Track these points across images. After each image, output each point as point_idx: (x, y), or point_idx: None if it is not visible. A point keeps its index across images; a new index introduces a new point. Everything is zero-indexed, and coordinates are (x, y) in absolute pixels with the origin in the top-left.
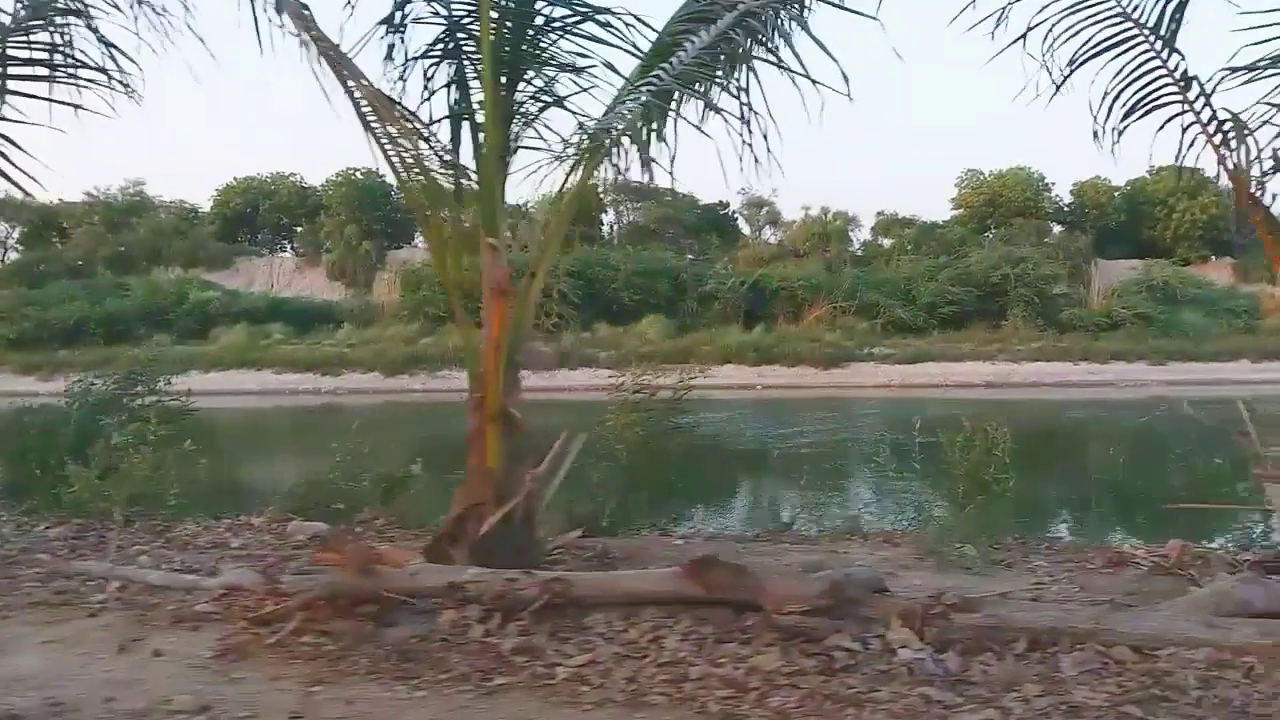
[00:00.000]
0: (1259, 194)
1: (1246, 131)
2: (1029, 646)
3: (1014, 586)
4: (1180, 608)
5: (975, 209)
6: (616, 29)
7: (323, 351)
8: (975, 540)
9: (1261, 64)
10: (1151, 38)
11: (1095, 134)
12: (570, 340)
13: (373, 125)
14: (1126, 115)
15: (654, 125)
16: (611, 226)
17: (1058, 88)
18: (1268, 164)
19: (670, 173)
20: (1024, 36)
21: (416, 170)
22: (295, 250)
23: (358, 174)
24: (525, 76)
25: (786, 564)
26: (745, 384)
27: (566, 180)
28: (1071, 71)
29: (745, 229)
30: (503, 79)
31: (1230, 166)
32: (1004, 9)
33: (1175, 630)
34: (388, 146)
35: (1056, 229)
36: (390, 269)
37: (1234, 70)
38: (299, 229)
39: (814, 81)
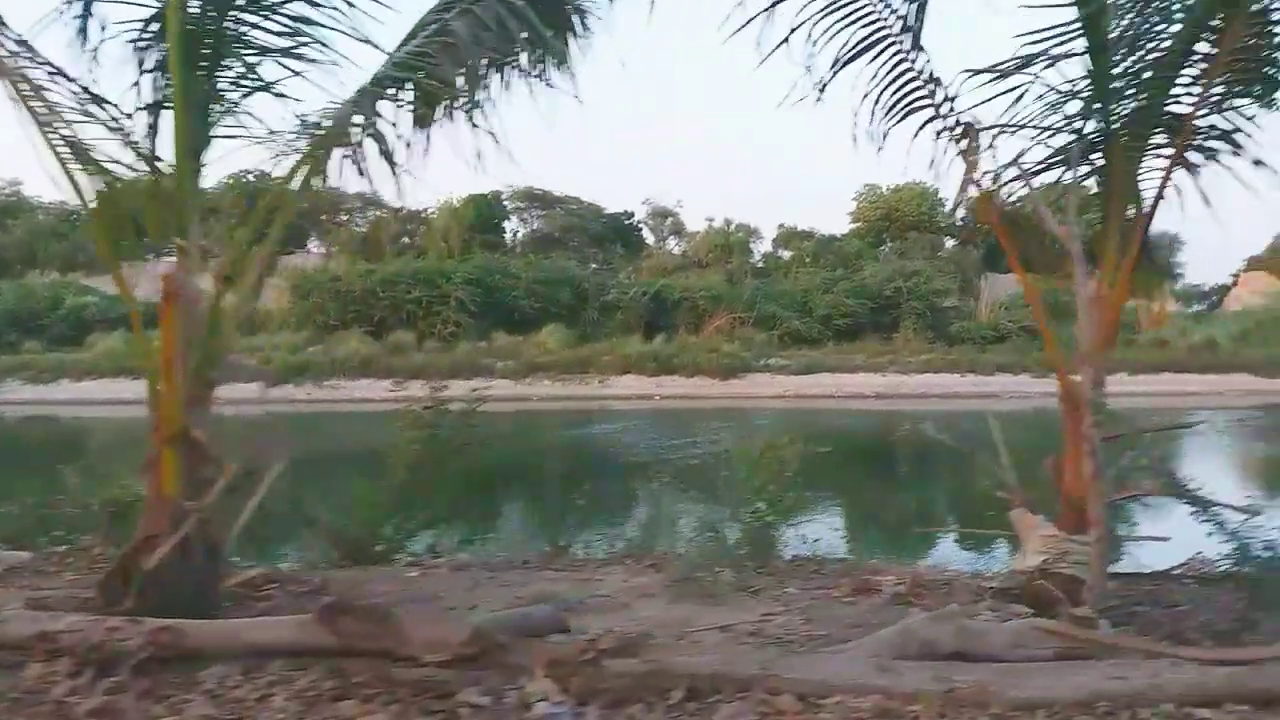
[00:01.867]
0: (997, 198)
1: (985, 137)
2: (687, 695)
3: (741, 618)
4: (864, 648)
5: (872, 223)
6: (343, 13)
7: None
8: (740, 563)
9: (1003, 66)
10: (901, 37)
11: (854, 139)
12: (465, 349)
13: (31, 104)
14: (887, 119)
15: (387, 122)
16: (514, 234)
17: (820, 91)
18: (1007, 169)
19: (395, 173)
20: (786, 40)
21: (81, 156)
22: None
23: (251, 177)
24: (225, 61)
25: (517, 596)
26: (643, 394)
27: (292, 175)
28: (833, 74)
29: (650, 239)
30: (202, 62)
31: (972, 172)
32: (769, 8)
33: (846, 676)
34: (49, 130)
35: (950, 243)
36: (281, 275)
37: (975, 72)
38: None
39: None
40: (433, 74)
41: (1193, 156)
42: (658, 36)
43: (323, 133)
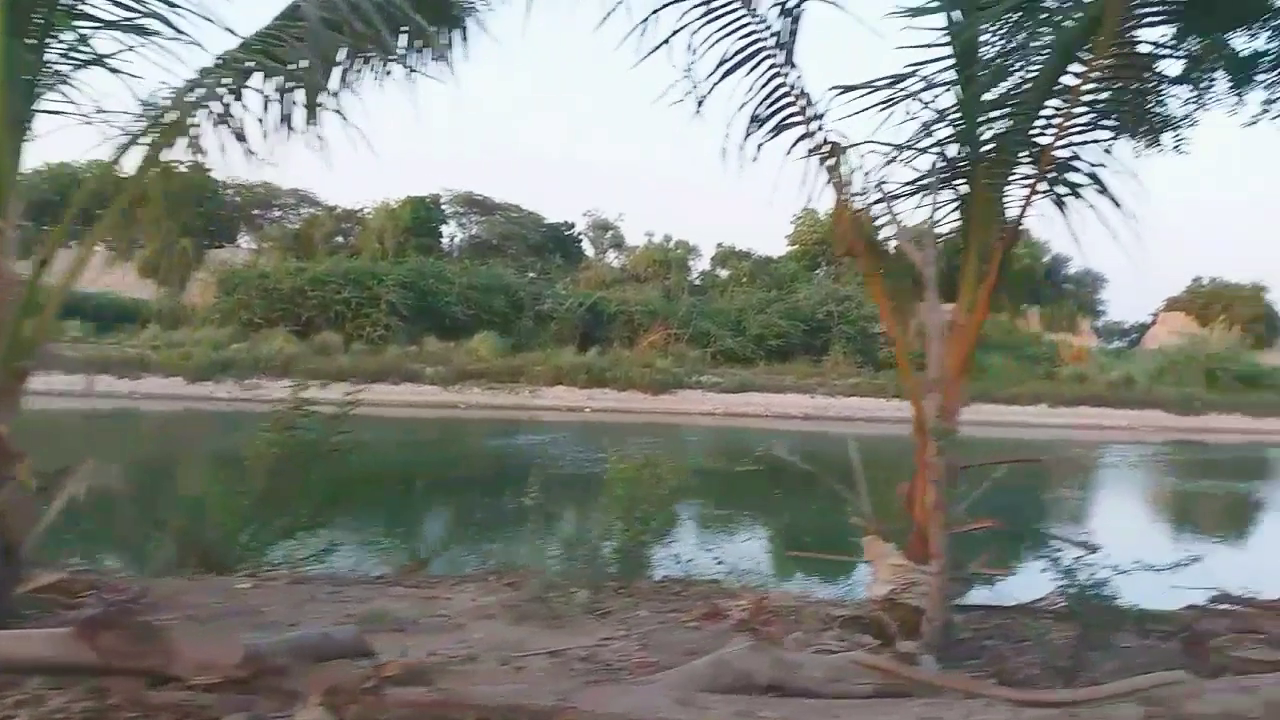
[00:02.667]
0: (860, 218)
1: (855, 157)
2: None
3: (579, 642)
4: (673, 680)
5: (808, 247)
6: None
7: (122, 352)
8: (601, 583)
9: (875, 83)
10: (775, 52)
11: (723, 151)
12: (394, 352)
13: None
14: (763, 134)
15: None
16: (452, 239)
17: (699, 105)
18: (872, 190)
19: (248, 158)
20: (667, 42)
21: None
22: (106, 244)
23: (181, 166)
24: (55, 30)
25: (348, 614)
26: (574, 406)
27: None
28: (712, 87)
29: (590, 251)
30: (30, 31)
31: (840, 190)
32: (650, 15)
33: (646, 709)
34: None
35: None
36: (209, 269)
37: (844, 89)
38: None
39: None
40: (274, 56)
41: (1061, 190)
42: (611, 56)
43: (157, 114)
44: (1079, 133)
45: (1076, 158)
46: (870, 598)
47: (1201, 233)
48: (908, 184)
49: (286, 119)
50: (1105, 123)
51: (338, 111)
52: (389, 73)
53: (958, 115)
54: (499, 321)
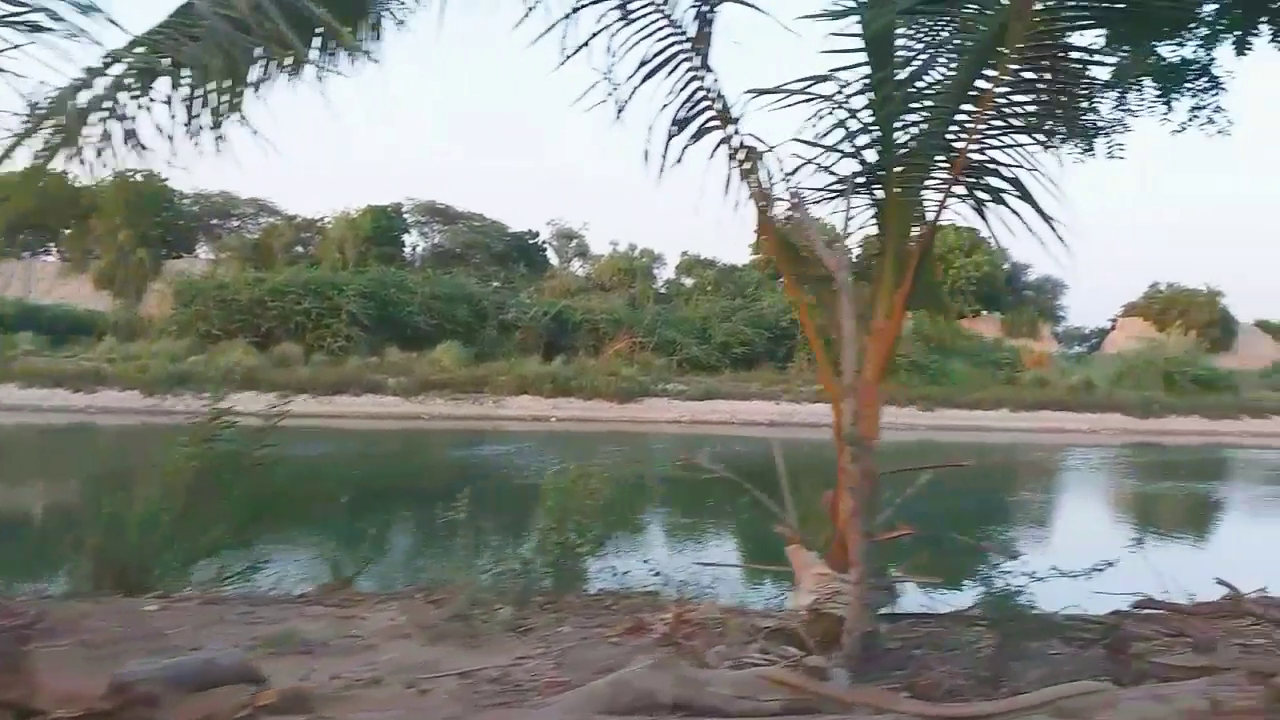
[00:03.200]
0: (777, 222)
1: (773, 160)
2: None
3: (492, 662)
4: (571, 702)
5: (771, 255)
6: None
7: (78, 365)
8: (528, 598)
9: (788, 85)
10: (692, 55)
11: (646, 155)
12: (355, 363)
13: None
14: (689, 138)
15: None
16: (414, 248)
17: (619, 112)
18: (787, 193)
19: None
20: (586, 44)
21: None
22: (60, 254)
23: (136, 176)
24: None
25: (254, 636)
26: (539, 416)
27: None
28: (633, 91)
29: (554, 259)
30: None
31: (757, 195)
32: (566, 16)
33: None
34: None
35: None
36: (166, 280)
37: (759, 92)
38: (66, 231)
39: None
40: (158, 50)
41: (983, 195)
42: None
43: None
44: (994, 137)
45: (994, 163)
46: (794, 608)
47: (1159, 239)
48: (825, 188)
49: (191, 121)
50: (1024, 127)
51: (238, 120)
52: (298, 74)
53: (873, 119)
54: (462, 331)
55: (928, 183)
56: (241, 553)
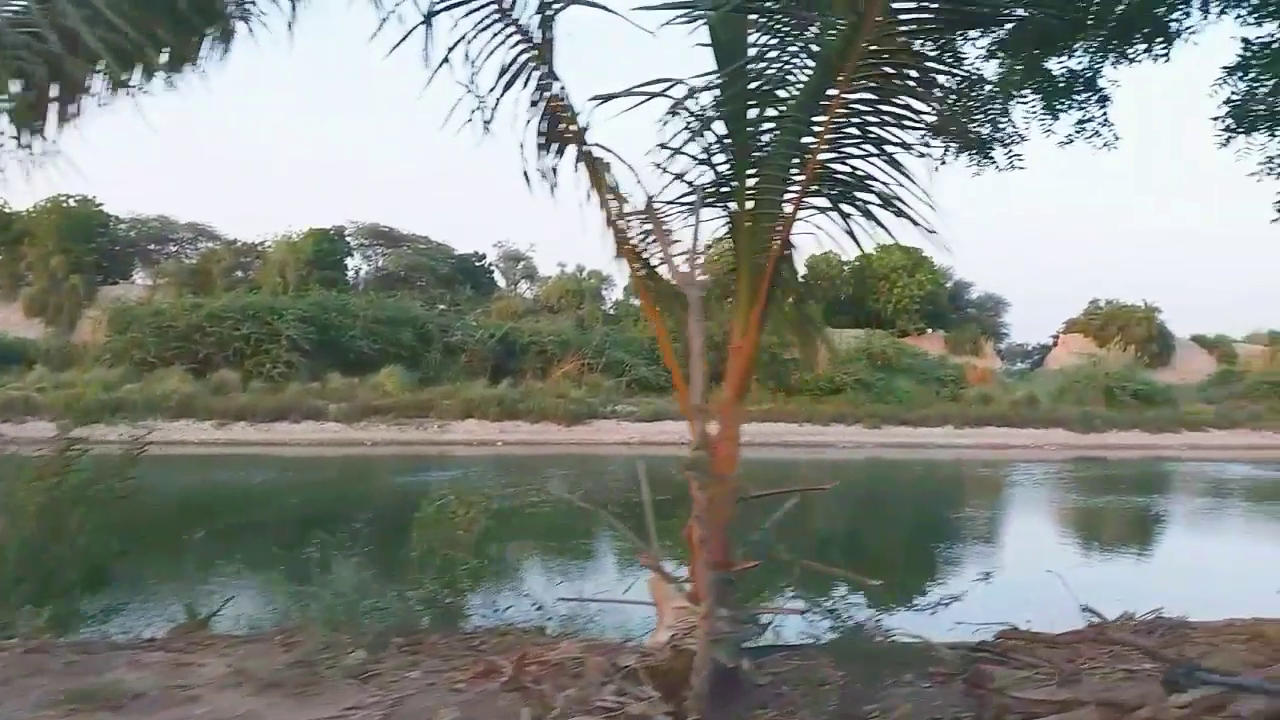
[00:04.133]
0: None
1: (626, 170)
2: None
3: (316, 714)
4: None
5: (718, 276)
6: None
7: (5, 395)
8: (383, 639)
9: (635, 91)
10: (539, 63)
11: (525, 175)
12: (296, 389)
13: None
14: (545, 149)
15: None
16: (358, 271)
17: (486, 125)
18: (640, 203)
19: None
20: (446, 60)
21: None
22: None
23: (70, 201)
24: None
25: (64, 689)
26: (485, 440)
27: None
28: (496, 102)
29: (502, 282)
30: None
31: (607, 205)
32: (424, 21)
33: None
34: None
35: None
36: (100, 306)
37: (604, 98)
38: None
39: None
40: None
41: (849, 209)
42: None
43: None
44: (852, 146)
45: (856, 173)
46: (651, 645)
47: (1099, 255)
48: (679, 199)
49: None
50: (883, 138)
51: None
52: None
53: (724, 126)
54: (407, 355)
55: (783, 194)
56: (103, 593)
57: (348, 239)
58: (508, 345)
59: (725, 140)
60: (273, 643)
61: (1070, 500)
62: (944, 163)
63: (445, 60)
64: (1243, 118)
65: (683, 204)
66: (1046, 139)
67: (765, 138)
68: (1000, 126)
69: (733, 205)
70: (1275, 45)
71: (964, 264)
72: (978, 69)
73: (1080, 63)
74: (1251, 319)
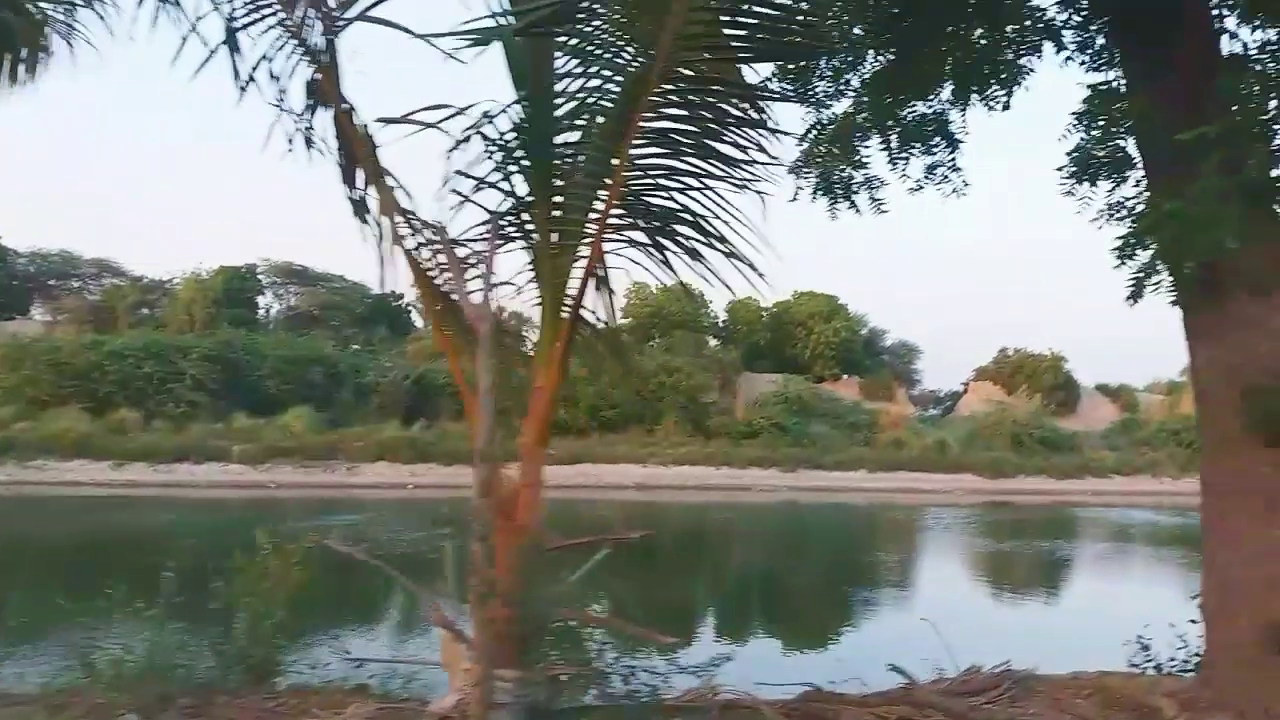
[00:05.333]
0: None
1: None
2: None
3: None
4: None
5: (641, 319)
6: None
7: None
8: (164, 701)
9: (418, 113)
10: (330, 84)
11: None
12: (199, 430)
13: None
14: (347, 176)
15: None
16: (268, 310)
17: (290, 143)
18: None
19: None
20: (252, 81)
21: None
22: None
23: None
24: None
25: None
26: (395, 483)
27: None
28: (305, 124)
29: (420, 322)
30: None
31: (396, 235)
32: (225, 42)
33: None
34: None
35: (713, 343)
36: None
37: (388, 121)
38: None
39: None
40: None
41: (668, 243)
42: None
43: None
44: (662, 177)
45: (671, 207)
46: (437, 709)
47: (1009, 304)
48: (476, 228)
49: None
50: (708, 168)
51: None
52: None
53: (522, 150)
54: (316, 396)
55: (586, 225)
56: None
57: (259, 277)
58: (423, 387)
59: (526, 166)
60: (37, 705)
61: (970, 545)
62: (795, 199)
63: (251, 80)
64: (1085, 165)
65: (480, 235)
66: (902, 183)
67: (568, 165)
68: (861, 167)
69: (535, 236)
70: (1113, 92)
71: (879, 311)
72: (827, 107)
73: (930, 106)
74: (1152, 368)
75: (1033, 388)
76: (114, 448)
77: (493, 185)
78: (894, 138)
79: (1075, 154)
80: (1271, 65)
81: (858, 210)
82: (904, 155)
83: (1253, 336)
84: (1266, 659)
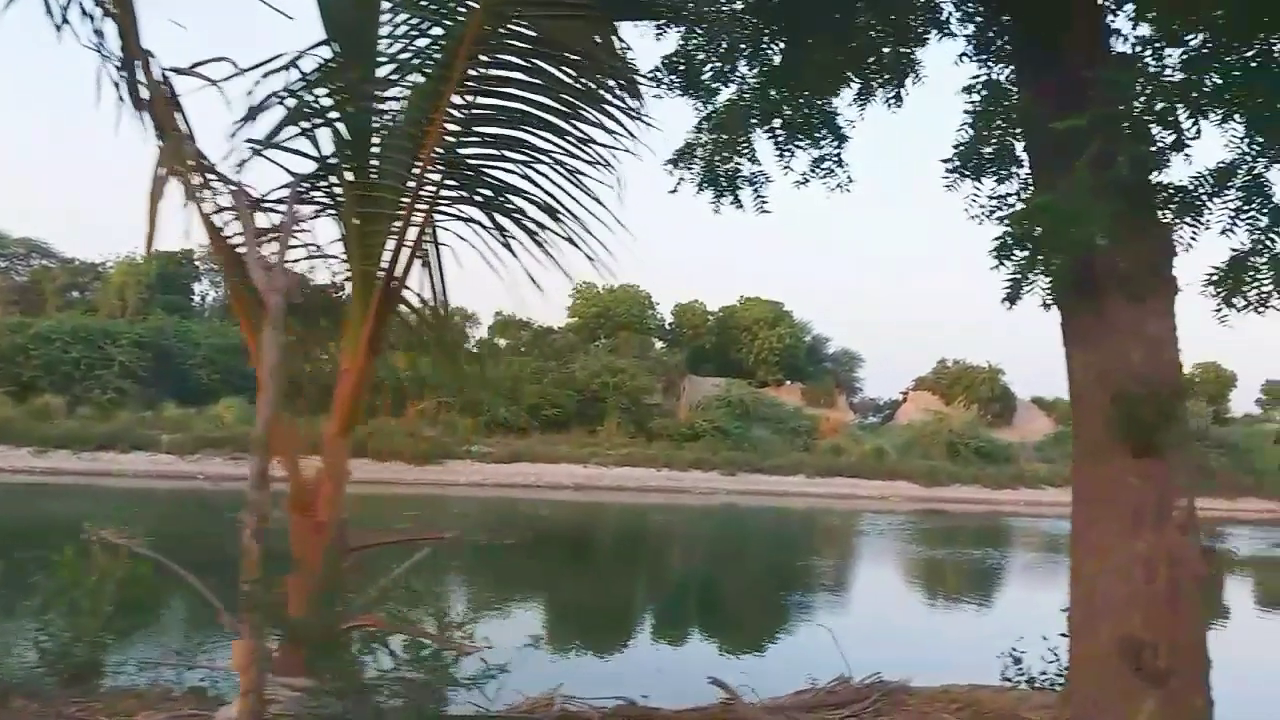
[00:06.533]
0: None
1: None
2: None
3: None
4: None
5: (587, 319)
6: None
7: None
8: None
9: (206, 63)
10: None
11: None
12: (127, 418)
13: None
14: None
15: None
16: (204, 298)
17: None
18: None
19: None
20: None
21: None
22: None
23: None
24: None
25: None
26: None
27: None
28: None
29: None
30: None
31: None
32: None
33: None
34: None
35: (659, 345)
36: None
37: (181, 72)
38: None
39: None
40: None
41: (503, 221)
42: None
43: None
44: (491, 148)
45: (500, 181)
46: (223, 718)
47: (948, 316)
48: (261, 198)
49: None
50: (543, 144)
51: None
52: None
53: (336, 112)
54: (249, 387)
55: (401, 195)
56: None
57: (196, 263)
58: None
59: (336, 125)
60: None
61: (901, 552)
62: (675, 191)
63: (65, 20)
64: (969, 159)
65: (281, 199)
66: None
67: (387, 127)
68: (746, 159)
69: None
70: (998, 85)
71: (822, 319)
72: (713, 95)
73: (820, 99)
74: None
75: (970, 398)
76: (36, 434)
77: (295, 151)
78: (780, 130)
79: (960, 148)
80: (1153, 61)
81: (740, 206)
82: (789, 149)
83: (1127, 342)
84: (1125, 675)
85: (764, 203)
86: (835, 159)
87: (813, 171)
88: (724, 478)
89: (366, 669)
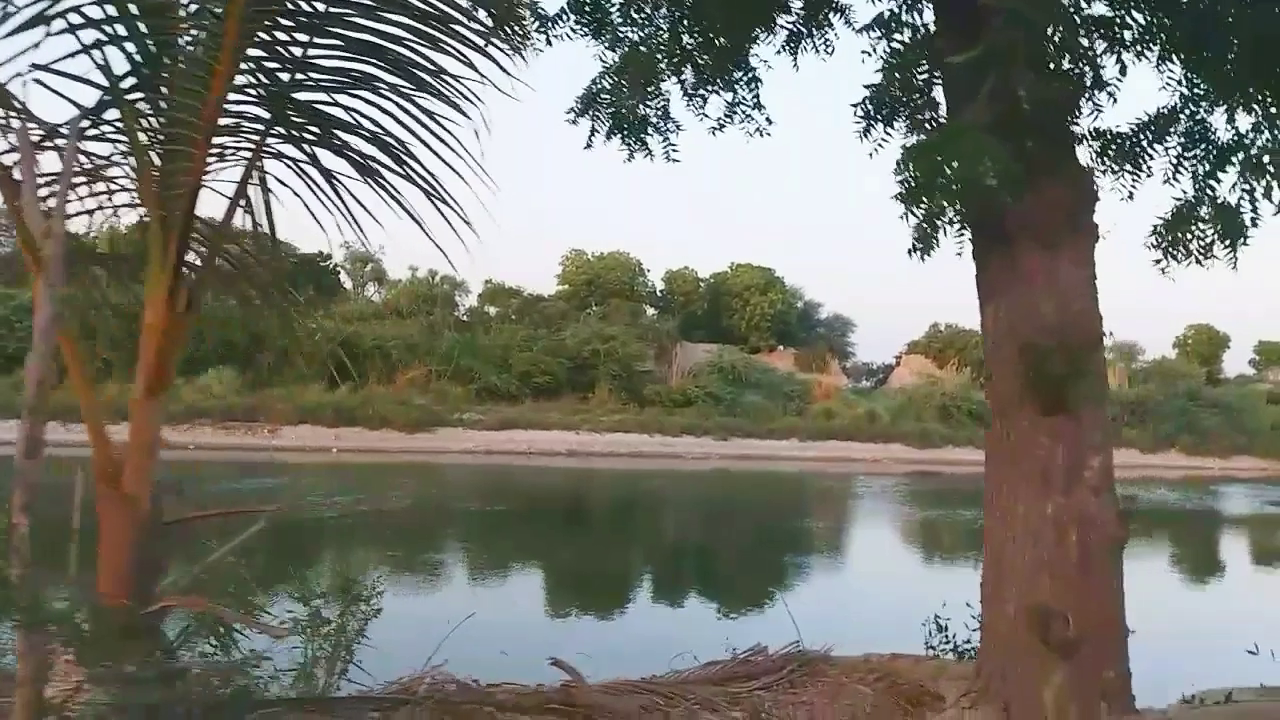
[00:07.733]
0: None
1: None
2: None
3: None
4: None
5: (577, 287)
6: None
7: None
8: None
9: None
10: None
11: None
12: (113, 389)
13: None
14: None
15: None
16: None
17: None
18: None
19: None
20: None
21: None
22: None
23: None
24: None
25: None
26: (319, 446)
27: None
28: None
29: (349, 284)
30: None
31: None
32: None
33: None
34: None
35: (650, 312)
36: None
37: None
38: None
39: None
40: None
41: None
42: None
43: None
44: (320, 73)
45: (328, 115)
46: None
47: (940, 280)
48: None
49: None
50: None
51: None
52: None
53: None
54: (238, 356)
55: (199, 126)
56: None
57: None
58: (349, 349)
59: (126, 48)
60: None
61: (892, 513)
62: (589, 146)
63: None
64: (880, 105)
65: (59, 132)
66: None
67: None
68: (655, 104)
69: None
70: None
71: (815, 284)
72: (620, 39)
73: (732, 41)
74: None
75: (962, 362)
76: (18, 405)
77: (78, 79)
78: (690, 74)
79: (872, 91)
80: None
81: (650, 155)
82: (700, 93)
83: (1038, 292)
84: (1032, 645)
85: (673, 149)
86: (752, 103)
87: (728, 116)
88: (716, 443)
89: (186, 654)
